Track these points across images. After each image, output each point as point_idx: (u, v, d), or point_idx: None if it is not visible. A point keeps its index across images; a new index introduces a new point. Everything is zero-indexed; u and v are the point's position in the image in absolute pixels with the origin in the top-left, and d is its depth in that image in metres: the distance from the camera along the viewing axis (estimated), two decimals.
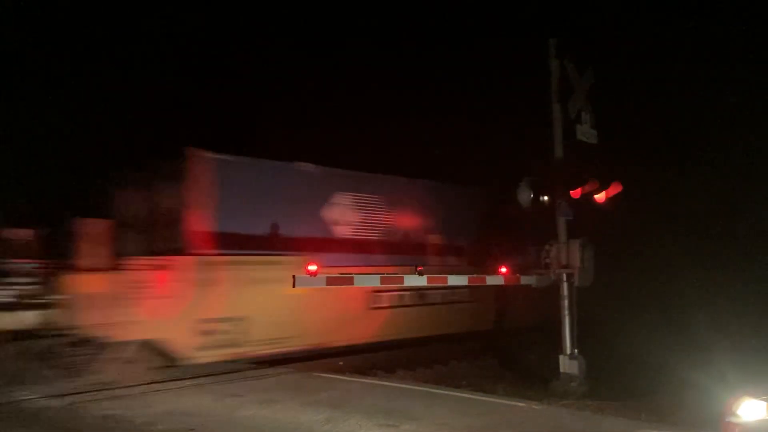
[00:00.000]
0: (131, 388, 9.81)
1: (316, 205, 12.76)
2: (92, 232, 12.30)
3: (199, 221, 11.18)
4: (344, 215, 13.16)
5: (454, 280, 11.95)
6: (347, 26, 20.61)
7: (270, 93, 18.88)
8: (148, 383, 10.03)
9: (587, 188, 10.81)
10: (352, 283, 10.53)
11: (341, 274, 10.54)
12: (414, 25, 21.29)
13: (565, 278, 10.94)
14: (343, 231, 13.12)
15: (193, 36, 18.10)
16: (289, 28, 20.68)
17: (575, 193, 10.84)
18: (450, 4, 21.60)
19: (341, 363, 12.42)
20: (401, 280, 11.00)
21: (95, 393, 9.46)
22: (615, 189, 11.00)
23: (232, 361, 11.34)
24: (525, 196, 11.10)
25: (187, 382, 10.23)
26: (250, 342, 11.13)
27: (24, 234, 14.20)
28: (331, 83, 19.45)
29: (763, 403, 5.51)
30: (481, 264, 13.25)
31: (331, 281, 10.13)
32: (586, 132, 11.22)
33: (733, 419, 5.54)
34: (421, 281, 10.79)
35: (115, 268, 11.57)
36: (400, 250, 13.78)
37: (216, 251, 11.14)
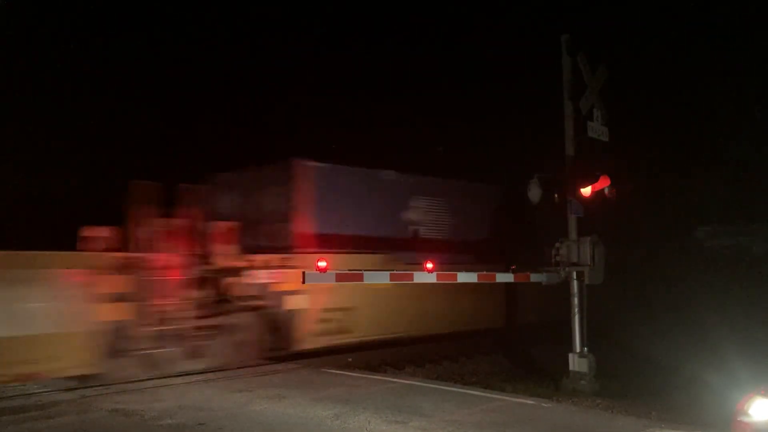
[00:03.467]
0: (141, 382, 9.87)
1: (396, 208, 14.29)
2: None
3: (304, 223, 12.58)
4: (418, 217, 14.58)
5: (464, 277, 11.88)
6: (352, 27, 20.62)
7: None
8: (158, 377, 10.08)
9: (598, 186, 10.74)
10: (362, 280, 10.52)
11: (351, 270, 10.52)
12: (425, 22, 21.27)
13: (575, 276, 10.88)
14: (416, 231, 14.51)
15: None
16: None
17: (586, 191, 10.78)
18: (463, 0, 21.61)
19: (350, 359, 12.44)
20: (411, 277, 10.97)
21: (106, 387, 9.52)
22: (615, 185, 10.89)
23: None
24: (535, 193, 11.05)
25: (197, 377, 10.27)
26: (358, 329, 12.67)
27: None
28: (342, 82, 19.50)
29: None
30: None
31: (340, 277, 10.13)
32: (597, 129, 11.15)
33: (745, 418, 5.51)
34: (430, 278, 10.76)
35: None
36: (457, 248, 14.64)
37: (318, 249, 12.15)
